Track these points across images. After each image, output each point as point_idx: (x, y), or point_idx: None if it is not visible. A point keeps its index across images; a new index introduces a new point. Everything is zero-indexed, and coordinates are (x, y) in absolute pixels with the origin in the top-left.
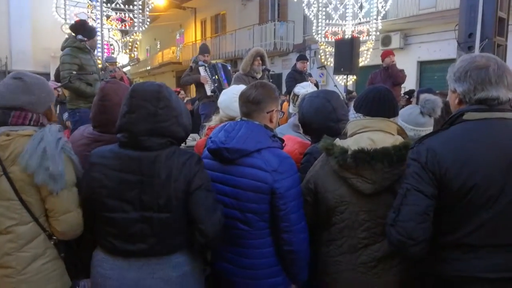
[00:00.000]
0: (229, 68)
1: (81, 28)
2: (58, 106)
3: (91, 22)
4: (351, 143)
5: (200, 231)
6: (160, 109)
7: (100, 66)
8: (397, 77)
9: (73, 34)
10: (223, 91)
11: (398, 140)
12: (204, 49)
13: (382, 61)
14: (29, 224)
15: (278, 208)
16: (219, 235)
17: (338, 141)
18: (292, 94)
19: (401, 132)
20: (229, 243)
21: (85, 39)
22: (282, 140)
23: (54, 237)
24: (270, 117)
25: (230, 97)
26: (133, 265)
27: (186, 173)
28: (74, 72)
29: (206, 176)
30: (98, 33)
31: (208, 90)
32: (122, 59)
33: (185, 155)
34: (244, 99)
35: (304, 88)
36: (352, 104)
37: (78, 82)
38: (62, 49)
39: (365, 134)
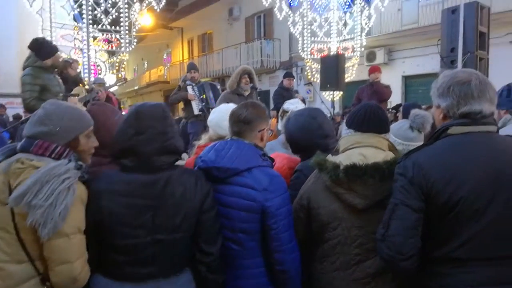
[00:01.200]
0: (218, 87)
1: (39, 47)
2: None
3: (77, 44)
4: (343, 159)
5: (204, 252)
6: (167, 127)
7: (87, 87)
8: (382, 93)
9: (33, 52)
10: (213, 110)
11: (389, 155)
12: (190, 66)
13: (369, 77)
14: (22, 264)
15: (269, 227)
16: (215, 259)
17: (330, 157)
18: (281, 111)
19: (392, 148)
20: None
21: (38, 59)
22: (272, 159)
23: (48, 283)
24: (261, 136)
25: (220, 116)
26: None
27: (200, 192)
28: (36, 94)
29: (215, 197)
30: (85, 55)
31: (196, 108)
32: (109, 79)
33: (192, 173)
34: (235, 118)
35: (293, 105)
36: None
37: (39, 103)
38: (23, 69)
39: (357, 150)
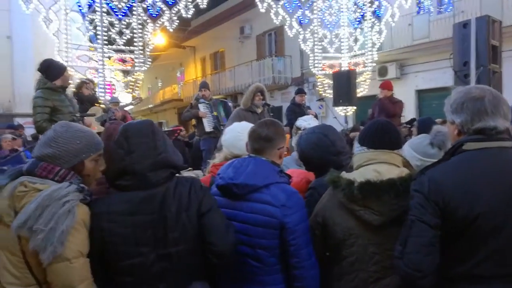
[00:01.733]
0: (230, 104)
1: (46, 69)
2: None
3: (93, 64)
4: (357, 176)
5: (213, 252)
6: (158, 141)
7: (103, 106)
8: (387, 109)
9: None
10: (227, 129)
11: (404, 171)
12: (201, 85)
13: None
14: (30, 287)
15: (288, 243)
16: (232, 255)
17: (344, 174)
18: (294, 128)
19: (406, 164)
20: (238, 279)
21: (48, 80)
22: (289, 176)
23: None
24: (280, 153)
25: (235, 136)
26: None
27: (194, 199)
28: (46, 116)
29: (213, 199)
30: (100, 74)
31: (207, 126)
32: (124, 98)
33: (187, 182)
34: (256, 136)
35: (305, 121)
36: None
37: (50, 125)
38: (35, 91)
39: (371, 167)
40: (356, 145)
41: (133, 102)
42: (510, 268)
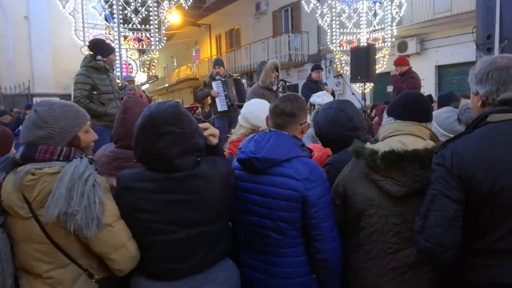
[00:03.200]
0: (243, 81)
1: (97, 47)
2: None
3: (109, 43)
4: (381, 146)
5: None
6: (185, 128)
7: (120, 85)
8: (396, 87)
9: (91, 53)
10: (246, 103)
11: (430, 144)
12: (215, 62)
13: None
14: (68, 266)
15: (310, 216)
16: None
17: (368, 145)
18: (308, 104)
19: (433, 138)
20: (259, 251)
21: (104, 59)
22: (311, 150)
23: (96, 277)
24: (302, 129)
25: (258, 109)
26: None
27: (219, 180)
28: (86, 92)
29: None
30: (117, 53)
31: (219, 105)
32: (140, 77)
33: (213, 165)
34: (279, 111)
35: (319, 97)
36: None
37: (88, 101)
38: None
39: (396, 138)
40: (384, 116)
41: (149, 81)
42: None
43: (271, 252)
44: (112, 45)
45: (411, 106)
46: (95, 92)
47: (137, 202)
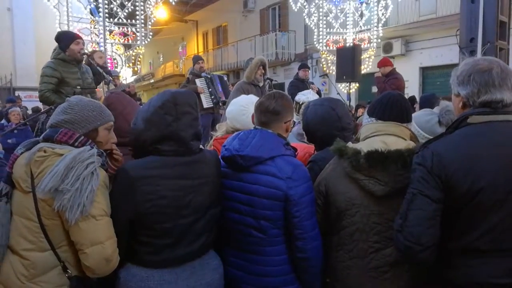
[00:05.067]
0: (225, 79)
1: (58, 39)
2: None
3: (94, 37)
4: (363, 146)
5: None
6: (198, 113)
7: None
8: (378, 88)
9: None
10: (231, 102)
11: (411, 144)
12: (196, 58)
13: None
14: (45, 252)
15: (292, 215)
16: None
17: (350, 144)
18: (294, 102)
19: (413, 138)
20: (241, 250)
21: (65, 52)
22: (295, 149)
23: (69, 271)
24: (287, 127)
25: (239, 110)
26: (180, 276)
27: (219, 168)
28: (52, 86)
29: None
30: (102, 48)
31: (205, 102)
32: (125, 72)
33: (213, 153)
34: (263, 109)
35: (305, 96)
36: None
37: (53, 95)
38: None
39: (378, 138)
40: (365, 116)
41: (145, 77)
42: (509, 243)
43: (252, 250)
44: (98, 39)
45: (392, 107)
46: (78, 87)
47: (157, 190)
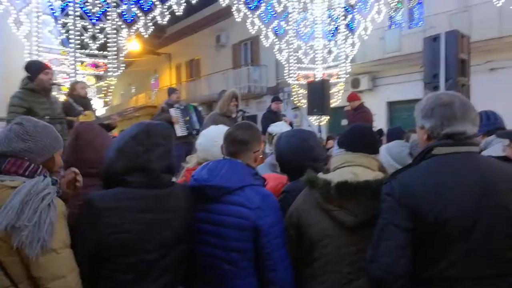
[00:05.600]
0: (200, 109)
1: (27, 69)
2: None
3: (64, 68)
4: (333, 177)
5: None
6: (171, 145)
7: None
8: (349, 121)
9: (29, 75)
10: (202, 133)
11: (379, 175)
12: (172, 89)
13: None
14: None
15: (262, 246)
16: None
17: (321, 175)
18: (267, 134)
19: (381, 169)
20: (211, 284)
21: (33, 82)
22: (264, 179)
23: None
24: (255, 157)
25: (209, 141)
26: None
27: (191, 202)
28: (20, 115)
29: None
30: (72, 79)
31: (179, 130)
32: (96, 103)
33: (185, 187)
34: (232, 139)
35: (277, 127)
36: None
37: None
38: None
39: (347, 169)
40: (335, 147)
41: (127, 111)
42: (480, 270)
43: (223, 284)
44: (68, 70)
45: (361, 139)
46: (47, 117)
47: (121, 222)
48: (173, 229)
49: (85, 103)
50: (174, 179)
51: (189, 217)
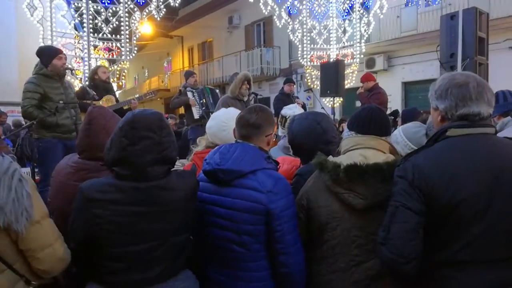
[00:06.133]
0: (217, 91)
1: (40, 55)
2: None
3: (78, 52)
4: (343, 159)
5: None
6: (163, 137)
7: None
8: (362, 102)
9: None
10: (212, 116)
11: (390, 158)
12: (189, 73)
13: None
14: (4, 272)
15: (274, 229)
16: None
17: (331, 158)
18: (280, 116)
19: (392, 151)
20: (223, 266)
21: (48, 68)
22: (277, 162)
23: (33, 283)
24: (268, 140)
25: (219, 125)
26: None
27: (185, 194)
28: (35, 102)
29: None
30: (86, 63)
31: (196, 113)
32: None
33: (181, 178)
34: (244, 122)
35: (291, 110)
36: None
37: (36, 111)
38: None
39: (357, 151)
40: (346, 130)
41: (147, 95)
42: (491, 254)
43: (235, 266)
44: (82, 54)
45: (372, 121)
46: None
47: (105, 214)
48: (166, 221)
49: (106, 87)
50: (179, 165)
51: (188, 208)
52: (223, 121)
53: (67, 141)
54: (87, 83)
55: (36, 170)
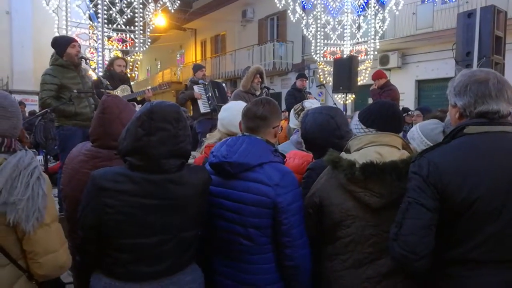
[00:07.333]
0: (223, 85)
1: (54, 45)
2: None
3: (92, 43)
4: (358, 157)
5: None
6: (180, 130)
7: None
8: (374, 99)
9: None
10: (224, 107)
11: (405, 154)
12: (198, 66)
13: None
14: (6, 266)
15: (280, 223)
16: None
17: (344, 155)
18: (300, 107)
19: (405, 146)
20: (229, 258)
21: (63, 57)
22: (284, 156)
23: (35, 277)
24: (275, 132)
25: (234, 114)
26: None
27: (199, 189)
28: (53, 93)
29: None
30: (99, 54)
31: (202, 107)
32: None
33: (195, 172)
34: (251, 114)
35: (313, 105)
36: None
37: (55, 101)
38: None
39: (372, 148)
40: (354, 121)
41: (161, 87)
42: (504, 254)
43: (241, 259)
44: (96, 44)
45: (387, 117)
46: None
47: (115, 204)
48: (176, 216)
49: (122, 77)
50: (191, 160)
51: (202, 202)
52: (237, 109)
53: (86, 128)
54: (100, 73)
55: (49, 157)
